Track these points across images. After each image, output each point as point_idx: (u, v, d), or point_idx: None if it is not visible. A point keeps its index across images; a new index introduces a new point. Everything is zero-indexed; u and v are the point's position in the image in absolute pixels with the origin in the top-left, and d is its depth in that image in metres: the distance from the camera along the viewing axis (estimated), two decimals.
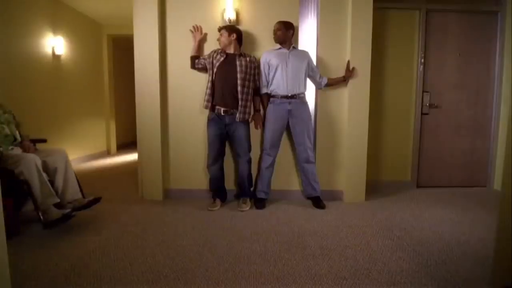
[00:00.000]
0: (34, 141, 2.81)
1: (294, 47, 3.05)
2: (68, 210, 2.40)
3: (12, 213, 2.26)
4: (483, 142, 3.85)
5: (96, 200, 2.61)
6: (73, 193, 2.61)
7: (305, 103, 3.07)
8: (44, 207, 2.33)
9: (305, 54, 3.08)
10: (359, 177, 3.24)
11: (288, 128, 3.10)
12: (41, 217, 2.30)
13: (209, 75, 2.99)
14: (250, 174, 3.11)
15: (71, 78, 5.06)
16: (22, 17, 4.04)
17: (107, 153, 6.19)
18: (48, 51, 4.52)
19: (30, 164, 2.32)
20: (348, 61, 3.15)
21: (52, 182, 2.51)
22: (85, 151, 5.44)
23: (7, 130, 2.57)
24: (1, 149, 2.38)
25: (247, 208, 3.01)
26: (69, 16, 5.00)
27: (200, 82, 3.17)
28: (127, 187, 3.77)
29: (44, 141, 3.00)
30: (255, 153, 3.19)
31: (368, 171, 3.28)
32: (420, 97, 3.73)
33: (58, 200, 2.44)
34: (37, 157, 2.40)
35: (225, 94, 2.93)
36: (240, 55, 2.98)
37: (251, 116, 3.10)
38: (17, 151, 2.52)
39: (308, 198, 3.17)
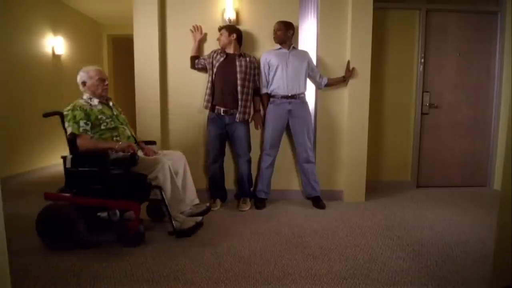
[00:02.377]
0: (145, 144, 2.68)
1: (294, 47, 3.05)
2: (200, 218, 2.34)
3: (139, 219, 2.17)
4: (483, 142, 3.85)
5: (209, 208, 2.55)
6: (192, 198, 2.51)
7: (305, 103, 3.07)
8: (174, 214, 2.25)
9: (305, 54, 3.08)
10: (359, 177, 3.24)
11: (288, 128, 3.10)
12: (173, 225, 2.22)
13: (209, 75, 2.99)
14: (250, 174, 3.11)
15: (71, 78, 5.02)
16: (22, 17, 4.04)
17: None
18: (48, 51, 4.52)
19: (165, 169, 2.22)
20: (348, 61, 3.15)
21: None
22: None
23: (128, 132, 2.48)
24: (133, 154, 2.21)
25: (247, 208, 3.01)
26: (69, 16, 5.00)
27: (200, 82, 3.17)
28: None
29: (154, 143, 2.79)
30: (255, 153, 3.19)
31: (368, 171, 3.28)
32: (420, 97, 3.73)
33: (188, 208, 2.36)
34: (170, 161, 2.30)
35: (225, 94, 2.92)
36: (240, 55, 2.98)
37: (251, 116, 3.10)
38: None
39: (308, 198, 3.16)
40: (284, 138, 3.20)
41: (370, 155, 3.34)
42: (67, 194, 2.21)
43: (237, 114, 2.94)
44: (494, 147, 3.81)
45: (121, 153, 2.23)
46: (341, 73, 3.17)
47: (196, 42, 3.13)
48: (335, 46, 3.21)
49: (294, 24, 3.05)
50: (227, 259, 2.01)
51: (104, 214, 2.16)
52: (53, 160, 4.63)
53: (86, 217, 2.15)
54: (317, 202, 3.07)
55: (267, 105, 3.08)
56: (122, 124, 2.46)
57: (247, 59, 2.99)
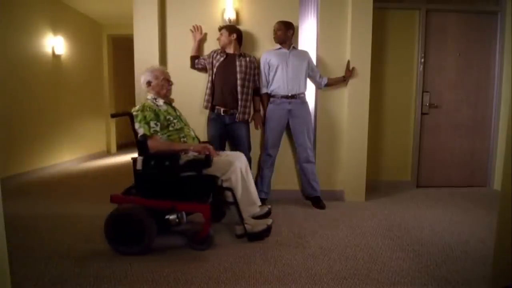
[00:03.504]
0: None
1: (294, 47, 3.05)
2: (270, 221, 2.28)
3: (210, 222, 2.11)
4: (483, 142, 3.85)
5: (270, 210, 2.46)
6: (254, 200, 2.42)
7: (305, 103, 3.07)
8: (244, 217, 2.20)
9: (305, 54, 3.08)
10: (359, 177, 3.24)
11: (288, 128, 3.10)
12: (245, 228, 2.18)
13: (209, 75, 2.99)
14: None
15: (71, 78, 5.06)
16: (22, 17, 4.04)
17: (107, 153, 6.20)
18: (48, 51, 4.52)
19: (238, 171, 2.18)
20: (348, 61, 3.15)
21: None
22: (85, 151, 5.44)
23: (192, 133, 2.43)
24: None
25: None
26: (69, 16, 5.00)
27: (200, 82, 3.17)
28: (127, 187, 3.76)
29: (207, 143, 2.73)
30: (255, 153, 3.19)
31: (368, 171, 3.28)
32: (420, 97, 3.73)
33: (258, 210, 2.31)
34: (242, 163, 2.28)
35: (225, 94, 2.92)
36: (240, 55, 2.98)
37: (251, 116, 3.10)
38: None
39: (308, 198, 3.16)
40: (284, 138, 3.20)
41: (370, 155, 3.34)
42: (135, 197, 2.16)
43: (237, 114, 2.94)
44: (494, 147, 3.81)
45: (190, 154, 2.19)
46: (341, 73, 3.17)
47: (196, 42, 3.13)
48: (335, 46, 3.21)
49: (294, 24, 3.05)
50: (227, 259, 2.01)
51: (173, 217, 2.08)
52: (53, 160, 4.63)
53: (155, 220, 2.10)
54: (317, 202, 3.07)
55: (267, 105, 3.08)
56: (185, 125, 2.42)
57: (247, 59, 2.99)
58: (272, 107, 3.04)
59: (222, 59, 2.94)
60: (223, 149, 3.08)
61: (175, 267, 1.91)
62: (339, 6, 3.16)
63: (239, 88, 2.92)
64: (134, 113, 2.21)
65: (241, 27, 3.12)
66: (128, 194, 2.23)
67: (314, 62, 3.16)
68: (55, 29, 4.62)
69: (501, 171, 1.57)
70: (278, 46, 3.03)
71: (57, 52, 4.63)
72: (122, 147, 6.71)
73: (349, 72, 3.14)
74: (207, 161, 2.08)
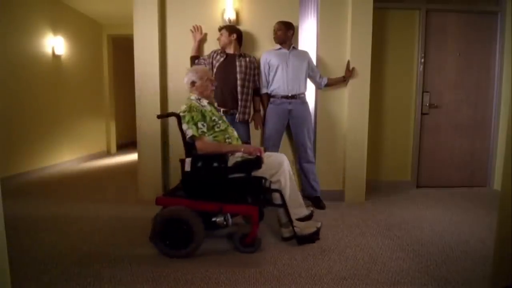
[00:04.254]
0: None
1: (294, 47, 3.05)
2: (319, 223, 2.23)
3: (258, 225, 2.07)
4: (483, 142, 3.85)
5: (313, 213, 2.40)
6: (301, 202, 2.37)
7: (305, 103, 3.07)
8: (293, 219, 2.15)
9: (305, 54, 3.08)
10: (359, 177, 3.24)
11: (288, 128, 3.10)
12: (294, 230, 2.14)
13: None
14: None
15: (71, 78, 5.06)
16: (22, 17, 4.04)
17: (107, 153, 6.20)
18: (48, 51, 4.52)
19: (286, 172, 2.14)
20: (348, 61, 3.15)
21: None
22: (85, 151, 5.44)
23: (235, 133, 2.38)
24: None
25: None
26: (69, 16, 5.00)
27: None
28: (127, 187, 3.77)
29: (248, 143, 2.74)
30: None
31: (368, 171, 3.28)
32: (420, 97, 3.73)
33: (307, 212, 2.27)
34: (287, 164, 2.23)
35: (224, 94, 2.92)
36: (240, 55, 2.98)
37: (251, 116, 3.10)
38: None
39: (308, 198, 3.16)
40: (284, 138, 3.20)
41: (370, 155, 3.34)
42: (182, 199, 2.11)
43: (237, 114, 2.94)
44: (494, 147, 3.81)
45: (237, 155, 2.15)
46: (341, 73, 3.17)
47: (196, 42, 3.13)
48: (335, 46, 3.21)
49: (294, 24, 3.05)
50: (227, 259, 2.01)
51: (220, 219, 2.06)
52: (53, 160, 4.63)
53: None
54: (317, 202, 3.07)
55: (267, 105, 3.08)
56: (228, 126, 2.36)
57: (247, 59, 2.99)
58: (272, 107, 3.04)
59: (222, 59, 2.94)
60: None
61: (175, 267, 1.91)
62: (339, 6, 3.16)
63: (239, 88, 2.92)
64: (181, 114, 2.17)
65: (241, 27, 3.12)
66: (173, 196, 2.18)
67: (314, 62, 3.16)
68: (55, 29, 4.62)
69: (501, 171, 1.57)
70: (278, 46, 3.03)
71: (57, 52, 4.63)
72: (122, 147, 6.71)
73: (349, 72, 3.14)
74: (258, 162, 2.05)
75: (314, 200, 3.10)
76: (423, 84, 3.72)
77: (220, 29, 3.00)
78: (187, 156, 2.17)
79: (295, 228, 2.15)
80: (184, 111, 2.18)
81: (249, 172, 2.08)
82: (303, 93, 3.06)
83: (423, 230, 2.52)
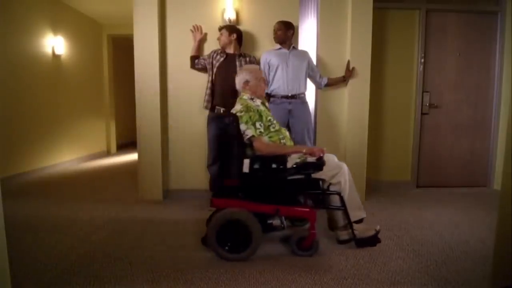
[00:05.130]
0: None
1: (294, 47, 3.05)
2: (378, 226, 2.16)
3: (315, 227, 2.03)
4: (483, 142, 3.85)
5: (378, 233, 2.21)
6: (360, 204, 2.23)
7: (305, 103, 3.07)
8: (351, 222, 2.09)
9: (305, 54, 3.08)
10: (359, 177, 3.23)
11: (288, 128, 3.09)
12: (353, 233, 2.08)
13: (209, 75, 2.99)
14: None
15: (71, 78, 5.06)
16: (22, 17, 4.04)
17: (107, 153, 6.20)
18: (48, 51, 4.52)
19: (346, 174, 2.08)
20: (348, 61, 3.15)
21: None
22: (85, 151, 5.44)
23: (287, 133, 2.33)
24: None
25: None
26: (69, 16, 5.00)
27: (200, 82, 3.17)
28: (127, 187, 3.77)
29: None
30: None
31: (368, 171, 3.28)
32: (420, 97, 3.73)
33: (364, 215, 2.20)
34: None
35: (224, 94, 2.92)
36: (240, 55, 2.98)
37: None
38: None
39: None
40: None
41: (370, 155, 3.34)
42: (239, 201, 2.06)
43: None
44: (494, 147, 3.81)
45: (293, 156, 2.10)
46: (341, 73, 3.17)
47: (196, 42, 3.14)
48: (335, 46, 3.21)
49: (294, 24, 3.05)
50: (227, 259, 2.01)
51: (277, 222, 2.02)
52: (53, 160, 4.63)
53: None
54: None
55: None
56: (281, 126, 2.31)
57: (247, 59, 2.99)
58: (272, 107, 3.02)
59: (222, 59, 2.94)
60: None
61: (175, 267, 1.91)
62: (339, 6, 3.16)
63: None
64: (238, 114, 2.12)
65: (241, 27, 3.12)
66: (226, 197, 2.11)
67: (314, 62, 3.16)
68: (55, 29, 4.62)
69: (501, 171, 1.57)
70: (278, 46, 3.03)
71: (57, 52, 4.63)
72: (122, 147, 6.71)
73: (349, 72, 3.14)
74: (319, 164, 1.99)
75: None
76: (423, 84, 3.72)
77: (220, 29, 3.00)
78: (239, 157, 2.09)
79: (354, 231, 2.07)
80: (241, 111, 2.13)
81: (308, 174, 2.03)
82: (303, 93, 3.05)
83: (423, 230, 2.51)
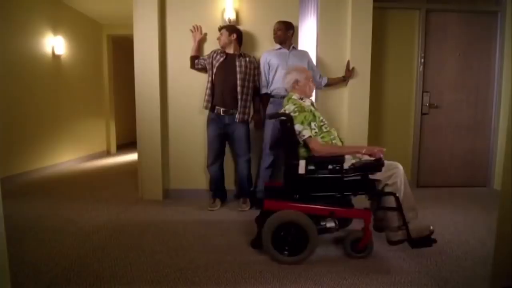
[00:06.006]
0: None
1: (294, 47, 3.05)
2: (432, 226, 2.02)
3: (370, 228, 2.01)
4: (483, 142, 3.85)
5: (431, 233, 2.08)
6: (415, 205, 2.12)
7: None
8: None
9: (305, 54, 3.08)
10: None
11: None
12: (409, 234, 1.98)
13: (209, 76, 2.99)
14: (249, 174, 3.11)
15: (71, 78, 5.06)
16: (22, 17, 4.04)
17: (107, 153, 6.20)
18: (48, 51, 4.52)
19: (401, 174, 2.02)
20: (348, 61, 3.15)
21: None
22: (85, 151, 5.44)
23: (336, 133, 2.26)
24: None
25: (247, 208, 3.01)
26: (69, 16, 5.00)
27: (200, 82, 3.17)
28: (127, 187, 3.77)
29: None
30: (255, 153, 3.19)
31: None
32: (420, 97, 3.73)
33: (416, 217, 2.12)
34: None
35: (224, 94, 2.92)
36: (240, 55, 2.97)
37: (250, 116, 3.10)
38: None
39: None
40: None
41: None
42: (293, 203, 2.00)
43: (237, 114, 2.94)
44: (494, 147, 3.81)
45: (348, 157, 2.04)
46: (341, 73, 3.17)
47: (196, 42, 3.14)
48: (335, 46, 3.21)
49: (294, 24, 3.05)
50: (227, 259, 2.01)
51: (331, 224, 1.98)
52: (53, 160, 4.63)
53: None
54: None
55: (267, 105, 3.07)
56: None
57: (247, 59, 2.98)
58: (272, 107, 3.03)
59: (222, 59, 2.94)
60: (223, 149, 3.08)
61: (175, 267, 1.91)
62: (339, 6, 3.16)
63: (239, 89, 2.92)
64: (292, 114, 2.07)
65: (241, 27, 3.12)
66: (282, 199, 2.05)
67: (314, 62, 3.16)
68: (55, 29, 4.62)
69: (501, 171, 1.57)
70: (278, 46, 3.03)
71: (57, 52, 4.63)
72: (122, 147, 6.71)
73: (349, 72, 3.14)
74: (378, 165, 1.93)
75: None
76: (423, 84, 3.72)
77: (220, 29, 3.00)
78: (290, 158, 2.05)
79: (410, 231, 1.99)
80: (295, 111, 2.08)
81: (365, 175, 1.98)
82: None
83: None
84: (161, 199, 3.26)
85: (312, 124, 2.08)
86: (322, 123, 2.17)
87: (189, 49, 3.15)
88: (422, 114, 3.77)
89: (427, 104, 3.75)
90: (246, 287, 1.72)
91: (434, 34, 3.70)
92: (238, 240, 2.31)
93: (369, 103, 3.20)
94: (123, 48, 6.83)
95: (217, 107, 2.95)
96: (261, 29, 3.19)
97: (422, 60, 3.69)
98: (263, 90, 3.06)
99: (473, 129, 3.83)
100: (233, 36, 2.95)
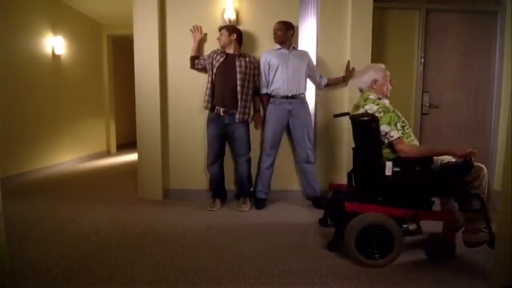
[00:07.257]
0: None
1: (294, 47, 3.05)
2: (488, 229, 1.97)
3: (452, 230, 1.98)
4: (483, 142, 3.84)
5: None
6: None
7: (305, 103, 3.07)
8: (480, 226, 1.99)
9: (305, 54, 3.08)
10: None
11: (288, 128, 3.10)
12: (491, 235, 1.92)
13: (209, 76, 2.99)
14: (249, 174, 3.11)
15: (71, 78, 5.06)
16: (22, 17, 4.04)
17: (107, 153, 6.20)
18: (48, 51, 4.52)
19: (486, 176, 1.98)
20: (348, 61, 3.15)
21: None
22: (85, 151, 5.44)
23: (411, 132, 2.20)
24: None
25: (247, 208, 3.01)
26: (69, 16, 5.00)
27: (200, 82, 3.17)
28: (127, 187, 3.77)
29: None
30: (255, 153, 3.19)
31: None
32: (420, 97, 3.73)
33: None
34: None
35: (224, 94, 2.92)
36: (240, 55, 2.97)
37: (251, 116, 3.10)
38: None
39: (309, 198, 3.16)
40: (284, 138, 3.20)
41: None
42: (375, 205, 1.97)
43: (237, 115, 2.94)
44: (494, 147, 3.80)
45: (436, 158, 2.00)
46: (341, 73, 3.17)
47: (196, 42, 3.14)
48: (335, 46, 3.21)
49: (294, 24, 3.05)
50: (227, 259, 2.01)
51: (414, 227, 1.94)
52: (53, 160, 4.63)
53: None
54: (317, 202, 3.07)
55: (267, 105, 3.07)
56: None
57: (247, 59, 2.98)
58: (272, 107, 3.04)
59: (222, 59, 2.94)
60: (223, 149, 3.09)
61: (175, 267, 1.91)
62: (339, 6, 3.16)
63: (239, 89, 2.92)
64: (377, 115, 2.01)
65: (241, 27, 3.12)
66: (362, 201, 2.01)
67: (314, 62, 3.16)
68: (55, 29, 4.62)
69: (501, 171, 1.57)
70: (278, 46, 3.03)
71: (57, 52, 4.63)
72: (122, 147, 6.71)
73: (349, 72, 3.14)
74: (468, 167, 1.91)
75: (314, 200, 3.10)
76: (423, 84, 3.72)
77: (220, 29, 3.00)
78: (374, 160, 2.01)
79: (483, 234, 1.96)
80: (379, 112, 2.04)
81: (452, 177, 1.96)
82: (303, 93, 3.05)
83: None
84: (161, 199, 3.26)
85: (398, 125, 2.04)
86: (404, 124, 2.13)
87: (189, 49, 3.15)
88: (422, 114, 3.76)
89: (427, 104, 3.75)
90: (246, 287, 1.72)
91: (434, 34, 3.70)
92: (238, 240, 2.31)
93: None
94: (123, 48, 6.83)
95: (217, 107, 2.95)
96: (261, 29, 3.19)
97: (422, 60, 3.69)
98: (263, 90, 3.07)
99: (473, 129, 3.82)
100: (233, 36, 2.95)
